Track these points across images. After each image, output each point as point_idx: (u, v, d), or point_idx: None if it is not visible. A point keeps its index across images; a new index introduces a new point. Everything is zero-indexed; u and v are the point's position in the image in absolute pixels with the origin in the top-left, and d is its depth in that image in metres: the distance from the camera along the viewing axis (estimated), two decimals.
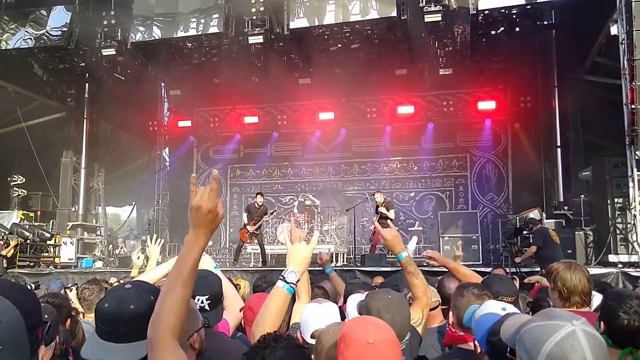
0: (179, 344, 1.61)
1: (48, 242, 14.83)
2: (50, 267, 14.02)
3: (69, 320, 3.52)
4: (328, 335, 2.02)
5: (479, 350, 2.27)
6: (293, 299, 3.10)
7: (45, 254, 14.70)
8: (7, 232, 13.76)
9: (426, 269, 11.34)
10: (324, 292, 3.99)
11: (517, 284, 5.16)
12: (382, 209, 12.80)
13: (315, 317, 2.55)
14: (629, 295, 2.61)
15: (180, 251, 1.68)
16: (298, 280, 2.11)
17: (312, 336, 2.38)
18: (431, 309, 3.36)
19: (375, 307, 2.45)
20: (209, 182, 1.69)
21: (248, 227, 13.40)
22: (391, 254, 13.12)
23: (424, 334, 3.07)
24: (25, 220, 15.23)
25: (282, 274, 2.13)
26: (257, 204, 13.72)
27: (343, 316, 3.04)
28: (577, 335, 1.40)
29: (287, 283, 2.08)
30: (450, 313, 2.86)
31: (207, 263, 3.19)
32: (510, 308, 2.34)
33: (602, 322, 2.54)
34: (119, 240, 20.86)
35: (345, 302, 3.59)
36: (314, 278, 4.70)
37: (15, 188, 15.94)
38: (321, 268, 4.88)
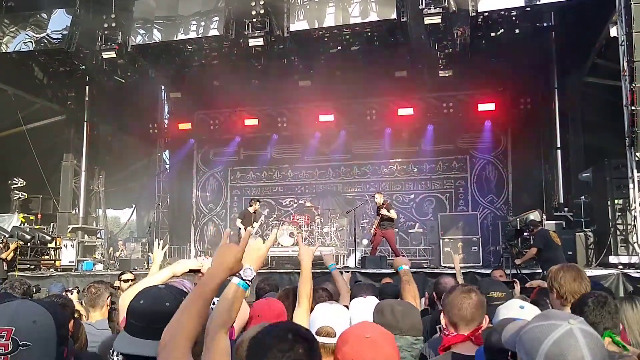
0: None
1: (48, 245, 14.83)
2: (51, 270, 14.01)
3: (71, 322, 3.52)
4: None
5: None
6: (294, 305, 3.12)
7: (46, 257, 14.70)
8: (7, 235, 13.76)
9: (426, 270, 11.39)
10: (328, 295, 3.99)
11: (518, 287, 5.17)
12: (384, 211, 12.81)
13: (324, 316, 2.57)
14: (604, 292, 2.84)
15: (205, 274, 1.95)
16: (253, 278, 2.10)
17: (317, 333, 2.40)
18: None
19: (387, 304, 2.48)
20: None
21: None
22: (392, 256, 13.19)
23: None
24: (26, 223, 15.23)
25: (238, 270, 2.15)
26: (252, 211, 13.81)
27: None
28: (575, 333, 1.42)
29: (243, 280, 2.07)
30: (441, 315, 2.87)
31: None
32: (528, 306, 2.37)
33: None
34: (120, 243, 20.87)
35: (350, 300, 3.61)
36: (316, 280, 4.71)
37: (15, 191, 15.93)
38: (322, 269, 4.89)
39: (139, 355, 1.80)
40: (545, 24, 14.65)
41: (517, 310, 2.30)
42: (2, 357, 1.32)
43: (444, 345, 2.74)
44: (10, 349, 1.32)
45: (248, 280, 2.07)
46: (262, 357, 1.60)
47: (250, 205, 14.55)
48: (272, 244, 2.38)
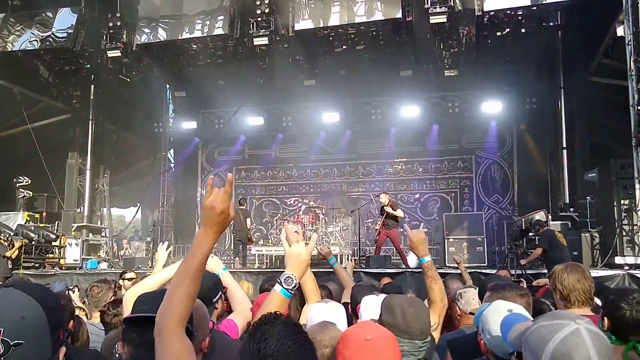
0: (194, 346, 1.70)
1: (53, 244, 14.88)
2: (55, 268, 14.05)
3: (72, 321, 3.51)
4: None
5: (484, 349, 2.26)
6: (302, 302, 3.10)
7: (50, 255, 14.75)
8: (12, 234, 13.81)
9: (441, 270, 11.34)
10: (328, 293, 3.97)
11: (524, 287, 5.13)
12: (388, 209, 12.76)
13: (319, 316, 2.55)
14: (630, 290, 2.71)
15: (190, 248, 1.77)
16: (296, 286, 2.10)
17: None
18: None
19: (398, 303, 2.44)
20: (214, 184, 1.78)
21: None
22: (396, 256, 13.13)
23: (437, 340, 3.06)
24: (31, 222, 15.29)
25: (280, 277, 2.14)
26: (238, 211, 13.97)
27: (348, 315, 3.03)
28: (581, 333, 1.42)
29: (285, 288, 2.08)
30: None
31: (215, 265, 3.19)
32: (518, 308, 2.32)
33: (605, 319, 2.57)
34: (124, 241, 20.90)
35: (351, 300, 3.58)
36: (319, 280, 4.69)
37: (20, 189, 15.99)
38: (326, 268, 4.86)
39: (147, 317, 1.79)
40: (551, 23, 14.56)
41: (504, 313, 2.26)
42: None
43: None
44: (2, 351, 1.28)
45: (290, 289, 2.06)
46: None
47: (242, 205, 14.60)
48: (312, 248, 2.28)
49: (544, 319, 1.54)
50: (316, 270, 3.16)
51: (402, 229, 12.72)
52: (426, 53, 14.65)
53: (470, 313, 3.32)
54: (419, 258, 3.13)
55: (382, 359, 1.78)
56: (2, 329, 1.29)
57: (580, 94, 14.32)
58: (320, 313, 2.60)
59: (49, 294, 1.45)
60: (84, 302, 5.50)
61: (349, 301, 3.60)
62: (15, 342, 1.29)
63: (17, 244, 12.88)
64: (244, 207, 14.51)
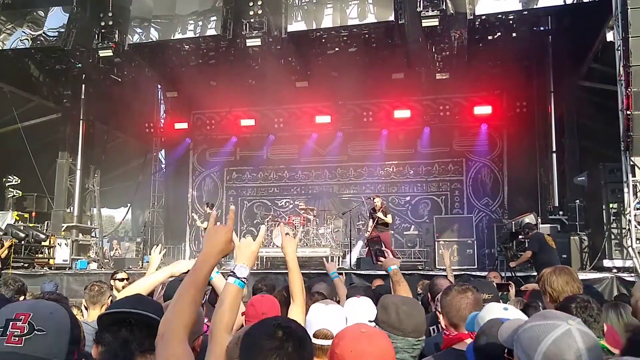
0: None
1: (43, 243, 14.77)
2: (45, 268, 13.97)
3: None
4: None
5: None
6: (288, 302, 3.11)
7: (40, 255, 14.65)
8: (1, 233, 13.71)
9: (420, 272, 11.39)
10: (322, 298, 4.00)
11: (513, 290, 5.18)
12: (380, 214, 12.84)
13: (319, 318, 2.57)
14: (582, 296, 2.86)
15: (195, 261, 1.92)
16: (248, 276, 2.15)
17: (315, 335, 2.39)
18: None
19: (392, 302, 2.47)
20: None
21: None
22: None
23: None
24: (20, 221, 15.17)
25: (232, 269, 2.17)
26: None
27: None
28: (573, 334, 1.45)
29: (238, 278, 2.11)
30: (440, 317, 2.88)
31: None
32: (512, 308, 2.37)
33: None
34: (114, 242, 20.80)
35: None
36: (310, 282, 4.71)
37: (10, 189, 15.87)
38: (317, 270, 4.89)
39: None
40: (542, 28, 14.70)
41: (501, 312, 2.30)
42: (17, 338, 1.39)
43: (446, 345, 2.76)
44: (25, 332, 1.40)
45: (243, 278, 2.10)
46: (252, 355, 1.60)
47: (210, 209, 14.64)
48: (262, 240, 2.39)
49: (536, 318, 1.58)
50: (307, 271, 3.18)
51: (368, 232, 13.02)
52: (418, 56, 14.71)
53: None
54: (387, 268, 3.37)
55: (378, 345, 1.83)
56: (31, 313, 1.44)
57: (570, 98, 14.44)
58: (321, 315, 2.62)
59: (76, 317, 1.60)
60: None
61: None
62: (39, 328, 1.42)
63: (6, 244, 12.79)
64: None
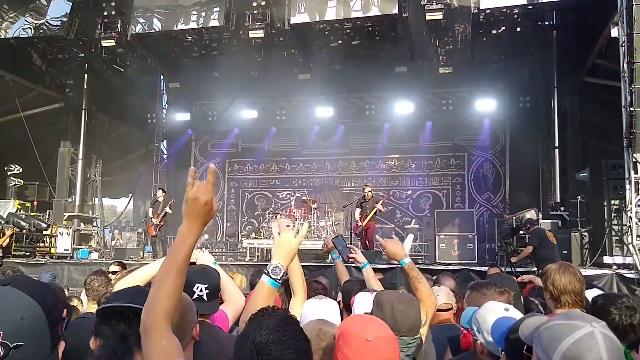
0: (184, 336, 1.70)
1: (44, 233, 14.79)
2: (46, 257, 14.00)
3: (65, 310, 3.52)
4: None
5: (480, 350, 2.28)
6: (289, 295, 3.10)
7: (41, 244, 14.67)
8: (2, 222, 13.73)
9: (421, 266, 11.39)
10: (322, 287, 3.99)
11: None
12: (379, 206, 12.99)
13: (314, 313, 2.56)
14: (618, 295, 2.69)
15: (174, 241, 1.71)
16: (284, 276, 2.08)
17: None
18: (441, 310, 3.40)
19: (388, 299, 2.45)
20: (206, 176, 1.75)
21: (153, 220, 13.82)
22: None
23: (426, 337, 3.07)
24: (22, 210, 15.19)
25: (267, 268, 2.10)
26: (159, 200, 13.90)
27: (341, 312, 3.05)
28: (596, 336, 1.41)
29: (272, 278, 2.06)
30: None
31: (206, 259, 3.20)
32: (512, 308, 2.35)
33: None
34: (115, 232, 20.83)
35: (342, 294, 3.59)
36: (310, 274, 4.71)
37: (12, 177, 15.88)
38: (318, 262, 4.87)
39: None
40: (546, 23, 14.63)
41: (501, 312, 2.29)
42: None
43: (466, 345, 2.74)
44: (2, 355, 1.27)
45: (278, 279, 2.05)
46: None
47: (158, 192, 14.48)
48: (303, 237, 2.21)
49: (559, 318, 1.55)
50: (307, 264, 3.18)
51: (376, 242, 13.06)
52: (421, 50, 14.67)
53: (439, 310, 3.34)
54: (398, 262, 3.10)
55: (383, 359, 1.79)
56: (1, 332, 1.28)
57: (573, 93, 14.38)
58: (315, 310, 2.61)
59: (47, 291, 1.45)
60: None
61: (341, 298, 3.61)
62: (15, 344, 1.29)
63: (7, 233, 12.82)
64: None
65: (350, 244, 5.78)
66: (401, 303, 2.42)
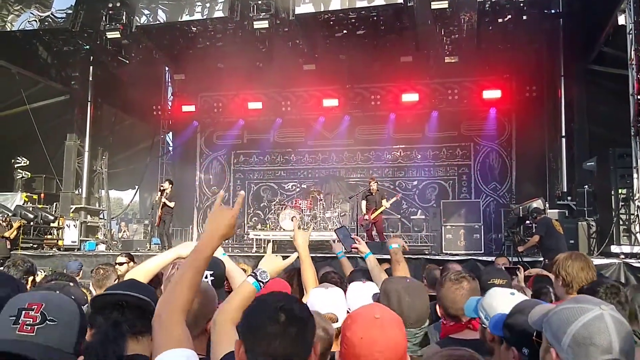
0: (196, 326, 1.83)
1: (51, 225, 14.88)
2: (54, 249, 14.09)
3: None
4: None
5: (490, 337, 2.28)
6: (301, 293, 3.11)
7: (49, 237, 14.76)
8: (10, 214, 13.81)
9: (427, 257, 11.41)
10: (339, 277, 3.98)
11: (522, 275, 5.16)
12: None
13: (320, 300, 2.56)
14: (608, 278, 2.85)
15: (197, 243, 1.91)
16: (267, 282, 2.17)
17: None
18: None
19: (395, 289, 2.44)
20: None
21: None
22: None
23: None
24: (29, 203, 15.27)
25: (255, 271, 2.19)
26: (167, 191, 14.19)
27: None
28: (605, 319, 1.43)
29: (258, 281, 2.13)
30: (437, 307, 2.87)
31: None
32: (517, 293, 2.35)
33: None
34: (122, 224, 20.92)
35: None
36: (316, 266, 4.71)
37: (19, 170, 15.96)
38: (323, 253, 4.87)
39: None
40: (553, 11, 14.52)
41: (507, 297, 2.29)
42: (30, 327, 1.42)
43: (444, 334, 2.76)
44: (38, 321, 1.43)
45: (262, 282, 2.13)
46: (254, 338, 1.56)
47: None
48: (291, 262, 2.55)
49: (569, 302, 1.56)
50: (313, 255, 3.20)
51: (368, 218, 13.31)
52: (427, 39, 14.57)
53: None
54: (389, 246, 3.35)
55: (391, 335, 1.79)
56: (43, 304, 1.47)
57: (580, 82, 14.29)
58: (321, 297, 2.62)
59: (84, 312, 1.62)
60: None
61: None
62: (51, 318, 1.46)
63: (15, 225, 12.88)
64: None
65: (357, 235, 5.80)
66: (408, 294, 2.41)
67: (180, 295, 1.75)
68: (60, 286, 1.66)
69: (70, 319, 1.50)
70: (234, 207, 1.94)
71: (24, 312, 1.44)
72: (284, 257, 2.52)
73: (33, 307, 1.45)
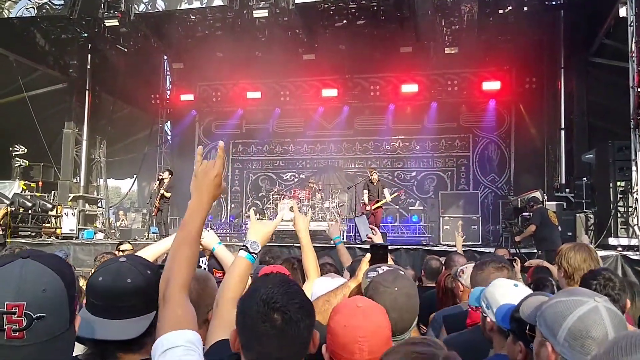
0: (198, 315, 1.70)
1: (49, 213, 14.87)
2: (52, 237, 14.08)
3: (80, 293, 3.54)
4: None
5: (489, 327, 2.28)
6: (303, 279, 3.11)
7: (47, 225, 14.75)
8: (7, 202, 13.74)
9: (425, 247, 11.42)
10: (334, 269, 4.00)
11: (519, 266, 5.16)
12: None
13: (325, 290, 2.56)
14: (604, 268, 2.85)
15: (185, 214, 1.77)
16: (260, 251, 2.14)
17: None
18: None
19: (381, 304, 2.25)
20: (212, 155, 1.84)
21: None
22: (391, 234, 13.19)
23: None
24: (27, 191, 15.23)
25: (245, 243, 2.15)
26: (165, 181, 14.14)
27: None
28: (600, 311, 1.43)
29: (250, 253, 2.10)
30: (461, 291, 2.86)
31: (210, 239, 3.20)
32: (521, 284, 2.35)
33: None
34: (120, 212, 20.90)
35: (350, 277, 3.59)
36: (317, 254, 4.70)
37: (17, 158, 15.89)
38: (325, 244, 4.86)
39: (101, 339, 1.67)
40: (553, 2, 14.46)
41: (510, 288, 2.28)
42: (18, 333, 1.27)
43: (473, 321, 2.74)
44: (25, 325, 1.28)
45: (254, 253, 2.09)
46: (250, 338, 1.54)
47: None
48: (278, 223, 2.45)
49: (562, 295, 1.56)
50: (313, 244, 3.18)
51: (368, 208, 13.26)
52: (427, 29, 14.51)
53: None
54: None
55: (373, 320, 1.80)
56: (24, 303, 1.28)
57: (580, 74, 14.26)
58: (326, 287, 2.62)
59: (65, 265, 1.43)
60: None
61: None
62: (38, 315, 1.29)
63: (1, 211, 12.69)
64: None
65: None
66: (395, 310, 2.06)
67: (178, 272, 1.66)
68: (24, 254, 1.38)
69: (58, 300, 1.34)
70: (216, 162, 1.79)
71: (5, 316, 1.27)
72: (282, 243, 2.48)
73: (14, 309, 1.27)
